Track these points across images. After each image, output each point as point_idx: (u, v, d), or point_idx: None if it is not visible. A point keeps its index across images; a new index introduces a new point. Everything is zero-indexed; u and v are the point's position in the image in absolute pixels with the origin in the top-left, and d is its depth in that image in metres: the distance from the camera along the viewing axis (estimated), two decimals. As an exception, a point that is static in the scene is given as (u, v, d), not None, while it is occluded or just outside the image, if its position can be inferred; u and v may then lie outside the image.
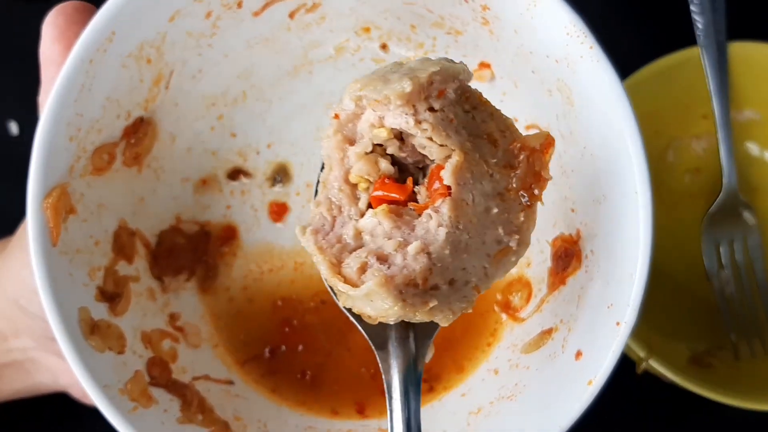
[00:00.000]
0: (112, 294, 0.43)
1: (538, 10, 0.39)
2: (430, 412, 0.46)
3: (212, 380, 0.46)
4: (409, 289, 0.33)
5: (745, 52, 0.56)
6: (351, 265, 0.34)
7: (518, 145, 0.36)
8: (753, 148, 0.59)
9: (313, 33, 0.48)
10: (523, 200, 0.36)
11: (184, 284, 0.48)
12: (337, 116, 0.36)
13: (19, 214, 0.49)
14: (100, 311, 0.41)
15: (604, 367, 0.39)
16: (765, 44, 0.56)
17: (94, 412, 0.54)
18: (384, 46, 0.49)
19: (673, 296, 0.57)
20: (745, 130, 0.58)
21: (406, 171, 0.36)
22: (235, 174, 0.50)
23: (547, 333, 0.44)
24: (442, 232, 0.33)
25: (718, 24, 0.54)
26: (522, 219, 0.36)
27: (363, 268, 0.33)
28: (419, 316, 0.33)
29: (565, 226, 0.45)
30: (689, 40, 0.55)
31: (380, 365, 0.38)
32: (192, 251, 0.48)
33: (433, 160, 0.35)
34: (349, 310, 0.37)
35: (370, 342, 0.39)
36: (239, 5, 0.44)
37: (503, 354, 0.46)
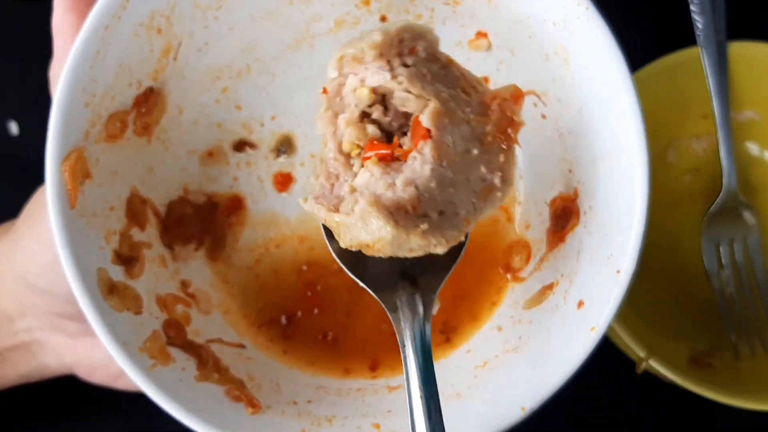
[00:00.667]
0: (128, 257, 0.44)
1: (536, -27, 0.41)
2: (437, 368, 0.47)
3: (225, 343, 0.47)
4: (400, 213, 0.36)
5: (745, 52, 0.56)
6: (347, 203, 0.37)
7: (490, 95, 0.39)
8: (753, 148, 0.60)
9: (314, 6, 0.49)
10: (500, 143, 0.39)
11: (193, 253, 0.49)
12: (325, 91, 0.39)
13: (20, 214, 0.49)
14: (117, 273, 0.42)
15: (606, 312, 0.41)
16: (765, 44, 0.56)
17: (95, 403, 0.54)
18: (383, 18, 0.50)
19: (673, 296, 0.57)
20: (745, 130, 0.59)
21: (392, 137, 0.39)
22: (240, 146, 0.51)
23: (549, 288, 0.46)
24: (427, 168, 0.36)
25: (718, 24, 0.55)
26: (502, 159, 0.39)
27: (357, 202, 0.36)
28: (414, 240, 0.36)
29: (564, 186, 0.47)
30: (689, 40, 0.56)
31: (394, 326, 0.40)
32: (200, 221, 0.50)
33: (413, 114, 0.38)
34: (359, 275, 0.41)
35: (383, 305, 0.41)
36: (245, -22, 0.45)
37: (505, 312, 0.48)
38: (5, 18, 0.61)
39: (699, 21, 0.55)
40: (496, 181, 0.39)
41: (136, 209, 0.46)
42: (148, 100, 0.46)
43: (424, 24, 0.39)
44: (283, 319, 0.49)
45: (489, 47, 0.49)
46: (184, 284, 0.48)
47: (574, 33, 0.42)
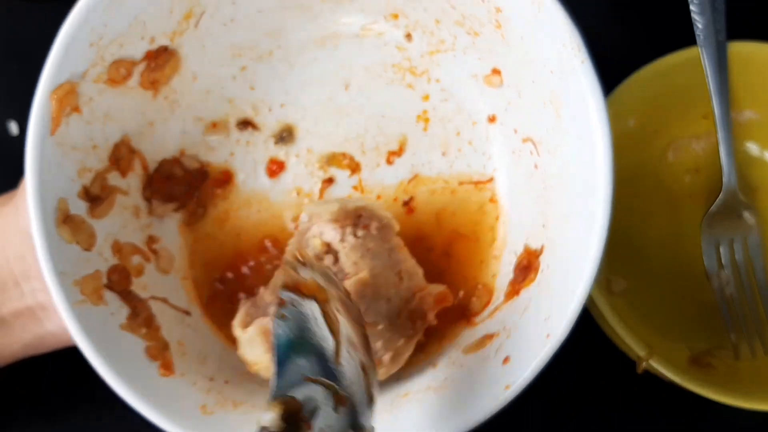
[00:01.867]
0: (96, 197, 0.45)
1: (541, 17, 0.40)
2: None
3: (170, 305, 0.48)
4: None
5: (745, 52, 0.55)
6: (252, 325, 0.43)
7: (419, 287, 0.45)
8: (753, 148, 0.58)
9: (345, 8, 0.50)
10: (407, 329, 0.44)
11: (171, 213, 0.50)
12: (296, 224, 0.47)
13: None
14: (78, 207, 0.44)
15: (525, 374, 0.39)
16: (765, 44, 0.55)
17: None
18: (408, 36, 0.50)
19: (673, 296, 0.56)
20: (745, 130, 0.57)
21: None
22: (244, 124, 0.52)
23: (488, 338, 0.44)
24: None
25: (718, 24, 0.54)
26: (401, 343, 0.44)
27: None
28: None
29: (534, 240, 0.46)
30: (689, 40, 0.54)
31: None
32: (187, 185, 0.51)
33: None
34: None
35: None
36: (278, -36, 0.46)
37: (445, 351, 0.47)
38: (5, 18, 0.61)
39: (699, 21, 0.54)
40: (386, 358, 0.43)
41: (120, 155, 0.47)
42: (160, 57, 0.47)
43: (384, 212, 0.46)
44: (218, 284, 0.50)
45: (501, 84, 0.48)
46: (152, 239, 0.49)
47: (567, 84, 0.41)
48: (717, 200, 0.56)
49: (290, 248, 0.47)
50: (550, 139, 0.44)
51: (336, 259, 0.45)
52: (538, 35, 0.41)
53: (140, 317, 0.45)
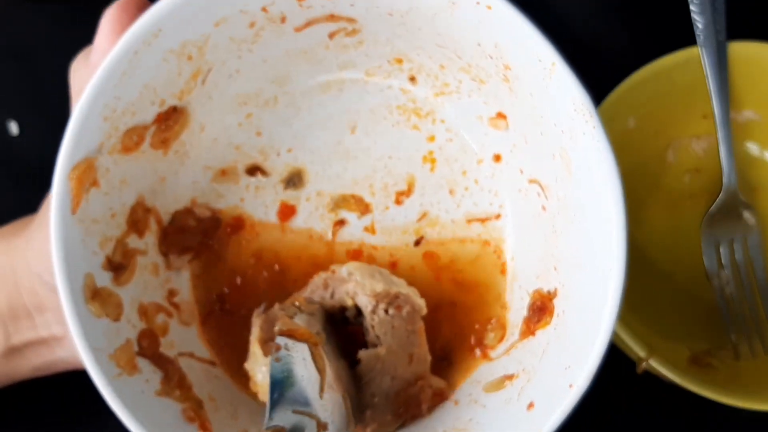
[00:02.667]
0: (119, 264, 0.46)
1: (552, 81, 0.41)
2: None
3: (196, 358, 0.49)
4: None
5: (745, 52, 0.56)
6: (272, 345, 0.45)
7: (424, 375, 0.48)
8: (753, 148, 0.59)
9: (349, 54, 0.50)
10: (398, 409, 0.47)
11: (186, 264, 0.51)
12: (333, 271, 0.49)
13: (20, 214, 0.51)
14: (104, 279, 0.45)
15: (550, 422, 0.41)
16: (765, 44, 0.56)
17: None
18: (413, 79, 0.51)
19: (673, 296, 0.57)
20: (745, 130, 0.58)
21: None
22: (253, 170, 0.53)
23: (509, 378, 0.47)
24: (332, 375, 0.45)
25: (718, 24, 0.54)
26: (387, 419, 0.47)
27: (277, 350, 0.44)
28: None
29: (546, 282, 0.48)
30: (689, 40, 0.55)
31: None
32: (201, 234, 0.52)
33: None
34: None
35: None
36: (283, 20, 0.46)
37: (467, 387, 0.49)
38: (5, 18, 0.61)
39: (699, 21, 0.54)
40: (369, 429, 0.46)
41: (137, 217, 0.48)
42: (170, 118, 0.48)
43: (420, 301, 0.48)
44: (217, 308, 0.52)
45: (507, 128, 0.49)
46: (171, 293, 0.50)
47: (578, 146, 0.42)
48: (717, 200, 0.57)
49: (313, 286, 0.49)
50: (559, 188, 0.46)
51: (357, 317, 0.48)
52: (548, 96, 0.43)
53: (173, 380, 0.46)
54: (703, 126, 0.58)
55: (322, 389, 0.43)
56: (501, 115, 0.49)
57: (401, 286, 0.48)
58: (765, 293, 0.56)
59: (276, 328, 0.46)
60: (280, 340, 0.45)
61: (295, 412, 0.41)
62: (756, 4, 0.61)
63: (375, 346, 0.47)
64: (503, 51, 0.44)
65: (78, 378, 0.53)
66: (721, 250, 0.57)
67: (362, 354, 0.46)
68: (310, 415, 0.42)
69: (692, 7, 0.55)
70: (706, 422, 0.58)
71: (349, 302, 0.48)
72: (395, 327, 0.47)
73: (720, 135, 0.56)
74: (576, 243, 0.45)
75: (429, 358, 0.48)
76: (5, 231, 0.53)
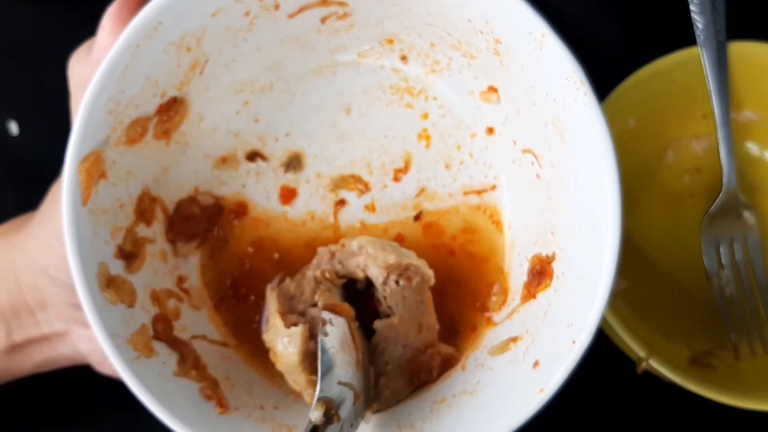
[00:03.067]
0: (130, 253, 0.47)
1: (543, 52, 0.43)
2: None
3: (208, 340, 0.51)
4: (309, 357, 0.46)
5: (745, 52, 0.56)
6: (291, 318, 0.48)
7: (432, 343, 0.49)
8: (753, 148, 0.59)
9: (340, 38, 0.52)
10: (408, 377, 0.49)
11: (194, 251, 0.53)
12: (343, 245, 0.50)
13: (20, 214, 0.52)
14: (116, 267, 0.46)
15: (555, 378, 0.43)
16: (765, 44, 0.56)
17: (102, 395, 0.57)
18: (404, 58, 0.53)
19: (673, 296, 0.58)
20: (745, 130, 0.59)
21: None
22: (253, 156, 0.54)
23: (513, 340, 0.48)
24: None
25: (718, 24, 0.55)
26: (400, 386, 0.49)
27: (295, 323, 0.47)
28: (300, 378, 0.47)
29: (544, 247, 0.49)
30: (689, 40, 0.56)
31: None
32: (206, 221, 0.53)
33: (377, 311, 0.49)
34: None
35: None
36: (276, 7, 0.48)
37: (473, 353, 0.51)
38: (5, 18, 0.62)
39: (699, 21, 0.55)
40: (384, 395, 0.48)
41: (145, 207, 0.49)
42: (171, 108, 0.49)
43: (428, 270, 0.50)
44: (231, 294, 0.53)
45: (498, 101, 0.51)
46: (181, 279, 0.51)
47: (571, 113, 0.44)
48: (717, 200, 0.57)
49: (320, 257, 0.50)
50: (553, 156, 0.47)
51: (369, 288, 0.49)
52: (539, 67, 0.44)
53: (189, 360, 0.48)
54: (703, 126, 0.58)
55: (358, 362, 0.46)
56: (492, 89, 0.51)
57: (411, 258, 0.50)
58: (765, 293, 0.56)
59: (319, 303, 0.48)
60: (326, 315, 0.47)
61: (339, 383, 0.44)
62: (756, 4, 0.62)
63: (387, 316, 0.49)
64: (493, 26, 0.45)
65: (78, 376, 0.55)
66: (721, 250, 0.57)
67: (377, 324, 0.48)
68: (350, 386, 0.45)
69: (692, 7, 0.55)
70: (706, 422, 0.58)
71: (360, 275, 0.49)
72: (406, 297, 0.49)
73: (720, 135, 0.56)
74: (572, 208, 0.46)
75: (437, 326, 0.50)
76: (3, 229, 0.54)
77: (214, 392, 0.47)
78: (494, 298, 0.52)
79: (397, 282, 0.49)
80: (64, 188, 0.43)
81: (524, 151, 0.51)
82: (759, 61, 0.56)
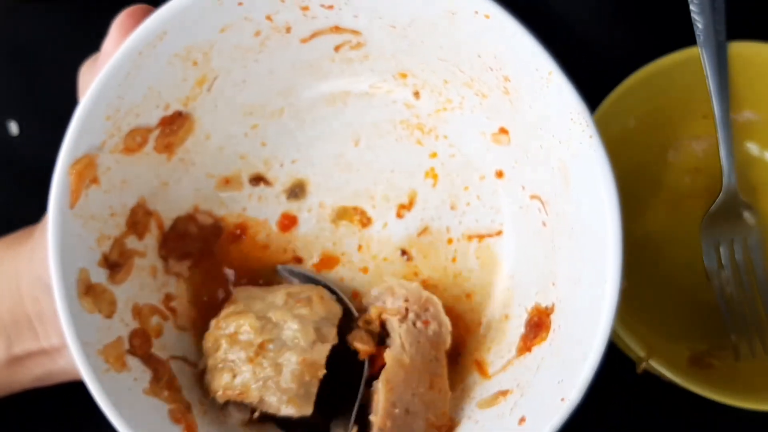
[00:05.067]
0: (115, 263, 0.47)
1: (550, 90, 0.42)
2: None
3: (189, 363, 0.49)
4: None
5: (745, 52, 0.56)
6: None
7: (444, 413, 0.47)
8: (753, 148, 0.59)
9: (354, 68, 0.51)
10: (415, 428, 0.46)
11: (186, 270, 0.51)
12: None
13: (20, 214, 0.51)
14: (99, 275, 0.45)
15: (541, 437, 0.41)
16: (765, 44, 0.55)
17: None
18: (417, 94, 0.51)
19: (673, 296, 0.57)
20: (745, 130, 0.58)
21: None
22: (257, 180, 0.53)
23: (503, 394, 0.46)
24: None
25: (718, 24, 0.54)
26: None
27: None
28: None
29: (544, 298, 0.47)
30: (689, 40, 0.55)
31: None
32: (202, 241, 0.52)
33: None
34: None
35: None
36: (288, 30, 0.47)
37: (460, 404, 0.48)
38: (5, 18, 0.62)
39: (699, 21, 0.54)
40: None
41: (138, 219, 0.48)
42: (174, 122, 0.48)
43: (446, 318, 0.48)
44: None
45: (509, 143, 0.49)
46: (169, 297, 0.50)
47: (576, 156, 0.42)
48: (717, 200, 0.56)
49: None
50: (558, 202, 0.45)
51: (383, 332, 0.49)
52: (545, 106, 0.43)
53: (163, 380, 0.46)
54: (703, 126, 0.58)
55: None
56: (503, 131, 0.49)
57: (432, 295, 0.49)
58: (765, 293, 0.55)
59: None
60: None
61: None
62: (756, 4, 0.61)
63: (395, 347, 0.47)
64: (502, 62, 0.44)
65: (78, 389, 0.53)
66: (721, 250, 0.56)
67: (387, 354, 0.46)
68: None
69: (692, 7, 0.55)
70: (706, 422, 0.57)
71: (374, 312, 0.49)
72: (420, 343, 0.47)
73: (720, 135, 0.56)
74: (574, 258, 0.44)
75: (449, 394, 0.47)
76: (10, 240, 0.54)
77: (183, 416, 0.45)
78: (491, 349, 0.50)
79: (414, 324, 0.47)
80: (53, 189, 0.43)
81: (532, 197, 0.49)
82: (759, 61, 0.56)
